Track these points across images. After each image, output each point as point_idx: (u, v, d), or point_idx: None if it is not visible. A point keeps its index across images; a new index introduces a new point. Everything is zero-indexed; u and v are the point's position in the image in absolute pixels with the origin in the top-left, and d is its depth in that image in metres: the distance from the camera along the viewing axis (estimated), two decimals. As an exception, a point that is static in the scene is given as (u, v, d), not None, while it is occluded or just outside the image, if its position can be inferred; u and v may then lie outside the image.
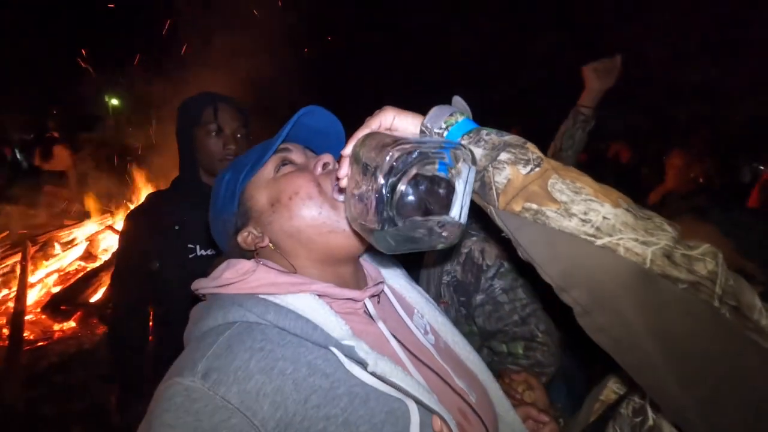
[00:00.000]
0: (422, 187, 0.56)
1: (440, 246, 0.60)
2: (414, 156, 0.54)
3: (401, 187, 0.55)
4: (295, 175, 0.74)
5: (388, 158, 0.54)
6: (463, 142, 0.61)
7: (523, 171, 0.57)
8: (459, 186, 0.58)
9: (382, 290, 0.82)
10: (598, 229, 0.53)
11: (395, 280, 0.90)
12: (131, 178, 5.96)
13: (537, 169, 0.57)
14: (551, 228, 0.54)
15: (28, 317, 4.09)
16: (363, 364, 0.61)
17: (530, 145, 0.60)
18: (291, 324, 0.63)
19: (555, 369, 1.32)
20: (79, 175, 6.29)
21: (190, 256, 1.55)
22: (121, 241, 1.73)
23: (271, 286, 0.68)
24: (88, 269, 4.74)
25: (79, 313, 4.23)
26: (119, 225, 5.37)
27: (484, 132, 0.61)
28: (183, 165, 1.67)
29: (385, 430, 0.58)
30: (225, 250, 0.81)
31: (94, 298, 4.40)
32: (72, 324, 4.17)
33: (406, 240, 0.57)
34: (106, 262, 4.77)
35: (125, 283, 1.68)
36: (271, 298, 0.67)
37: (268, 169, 0.76)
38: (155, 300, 1.69)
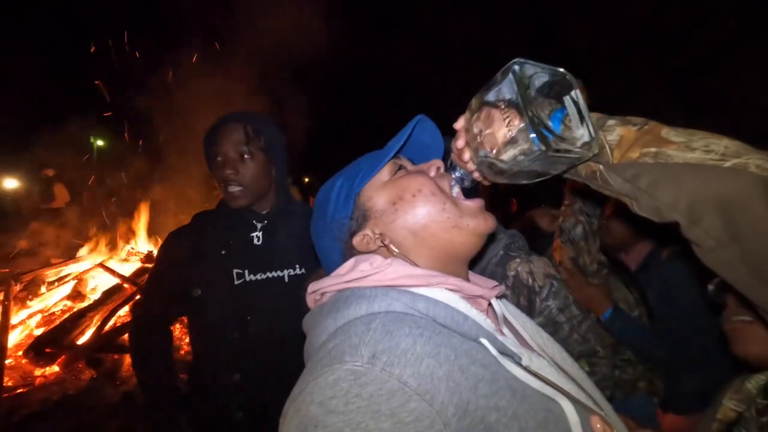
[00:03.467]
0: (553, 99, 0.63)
1: (582, 160, 0.65)
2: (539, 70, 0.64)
3: (543, 98, 0.62)
4: (413, 175, 0.76)
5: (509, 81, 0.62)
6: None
7: (634, 128, 0.61)
8: (582, 102, 0.63)
9: (502, 293, 0.81)
10: (723, 155, 0.55)
11: None
12: (126, 215, 5.83)
13: (645, 126, 0.61)
14: (674, 163, 0.57)
15: (7, 361, 3.79)
16: (516, 358, 0.59)
17: (630, 117, 0.65)
18: (442, 314, 0.61)
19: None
20: (72, 212, 6.11)
21: (237, 282, 1.48)
22: (157, 258, 1.64)
23: (409, 278, 0.66)
24: (75, 309, 4.49)
25: (63, 356, 3.95)
26: (112, 263, 5.17)
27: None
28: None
29: (549, 429, 0.55)
30: (329, 258, 0.80)
31: (81, 340, 4.13)
32: (55, 368, 3.88)
33: (554, 161, 0.62)
34: (95, 301, 4.54)
35: (153, 299, 1.59)
36: (413, 290, 0.65)
37: (383, 174, 0.77)
38: (194, 333, 1.59)
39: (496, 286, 0.77)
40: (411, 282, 0.66)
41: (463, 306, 0.64)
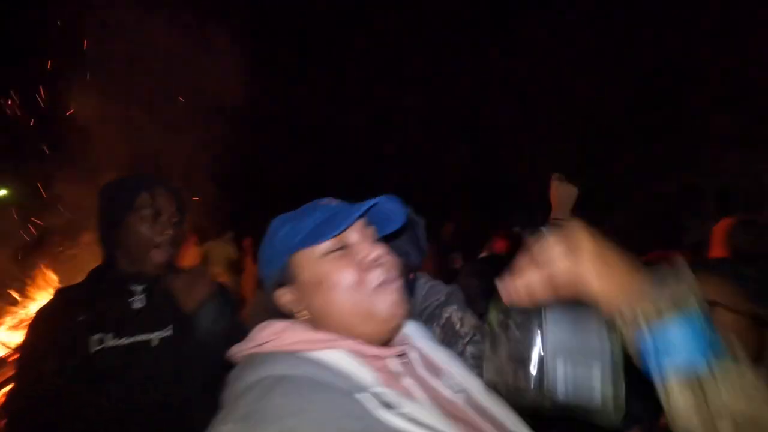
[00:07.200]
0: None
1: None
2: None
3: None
4: (342, 263, 0.78)
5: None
6: None
7: None
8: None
9: (407, 350, 0.85)
10: None
11: (423, 341, 0.93)
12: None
13: None
14: None
15: None
16: (392, 407, 0.66)
17: None
18: (321, 374, 0.69)
19: None
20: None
21: (95, 349, 1.37)
22: (20, 350, 1.52)
23: (305, 343, 0.75)
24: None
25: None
26: None
27: None
28: (103, 253, 1.55)
29: None
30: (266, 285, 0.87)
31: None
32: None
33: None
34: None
35: (24, 400, 1.37)
36: (304, 354, 0.73)
37: (323, 246, 0.78)
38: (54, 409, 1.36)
39: (402, 345, 0.84)
40: (306, 347, 0.75)
41: (352, 363, 0.72)
